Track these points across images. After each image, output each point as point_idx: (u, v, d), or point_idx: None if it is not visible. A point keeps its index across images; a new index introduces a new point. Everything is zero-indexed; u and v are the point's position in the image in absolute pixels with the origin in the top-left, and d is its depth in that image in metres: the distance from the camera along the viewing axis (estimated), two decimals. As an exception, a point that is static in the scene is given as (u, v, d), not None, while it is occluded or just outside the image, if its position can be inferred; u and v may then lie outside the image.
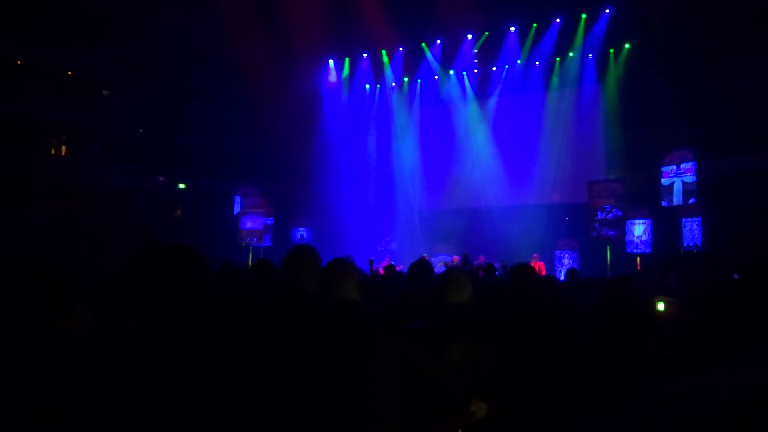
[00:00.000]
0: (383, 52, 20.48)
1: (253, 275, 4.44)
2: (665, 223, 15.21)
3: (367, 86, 21.49)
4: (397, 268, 7.42)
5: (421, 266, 4.59)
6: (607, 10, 17.04)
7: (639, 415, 1.54)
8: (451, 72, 20.17)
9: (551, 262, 16.68)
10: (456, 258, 14.95)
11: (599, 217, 16.43)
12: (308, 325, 2.39)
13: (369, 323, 2.40)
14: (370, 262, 10.87)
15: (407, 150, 20.85)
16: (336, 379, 2.23)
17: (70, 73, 18.64)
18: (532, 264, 14.69)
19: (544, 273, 14.08)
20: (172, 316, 1.85)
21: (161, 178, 19.22)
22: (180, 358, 1.79)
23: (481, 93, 19.97)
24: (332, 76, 21.27)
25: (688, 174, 14.91)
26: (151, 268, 1.90)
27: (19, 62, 17.85)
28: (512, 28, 18.67)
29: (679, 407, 1.64)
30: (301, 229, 19.96)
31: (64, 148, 18.80)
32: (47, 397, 1.84)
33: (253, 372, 2.00)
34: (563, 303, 4.14)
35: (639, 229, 15.65)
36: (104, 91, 19.28)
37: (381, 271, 11.59)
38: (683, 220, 14.60)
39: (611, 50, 17.56)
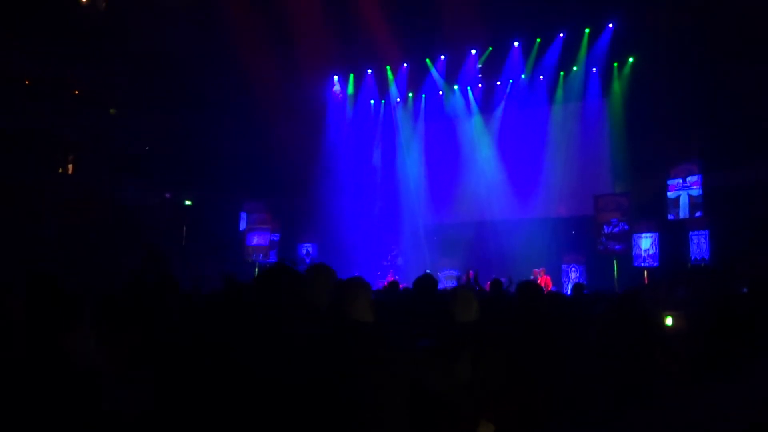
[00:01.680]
0: (387, 68, 20.60)
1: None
2: (672, 237, 15.13)
3: (372, 102, 21.60)
4: (401, 286, 7.36)
5: (426, 281, 4.59)
6: (611, 25, 17.12)
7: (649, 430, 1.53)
8: (456, 87, 20.26)
9: (558, 276, 16.62)
10: (471, 273, 14.89)
11: (606, 230, 16.37)
12: (319, 344, 2.39)
13: (378, 342, 2.40)
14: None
15: (412, 165, 20.89)
16: (345, 397, 2.23)
17: (78, 87, 18.81)
18: (538, 278, 14.65)
19: (550, 287, 14.05)
20: None
21: (168, 195, 19.29)
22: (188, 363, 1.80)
23: (486, 107, 20.03)
24: (336, 87, 21.38)
25: (695, 187, 14.86)
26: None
27: (27, 82, 18.04)
28: (516, 43, 18.76)
29: (690, 423, 1.62)
30: (307, 244, 19.96)
31: (72, 164, 18.91)
32: (55, 408, 1.84)
33: (264, 388, 2.00)
34: (570, 319, 4.12)
35: (646, 242, 15.59)
36: (111, 110, 19.41)
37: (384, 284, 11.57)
38: (690, 233, 14.53)
39: (615, 64, 17.62)
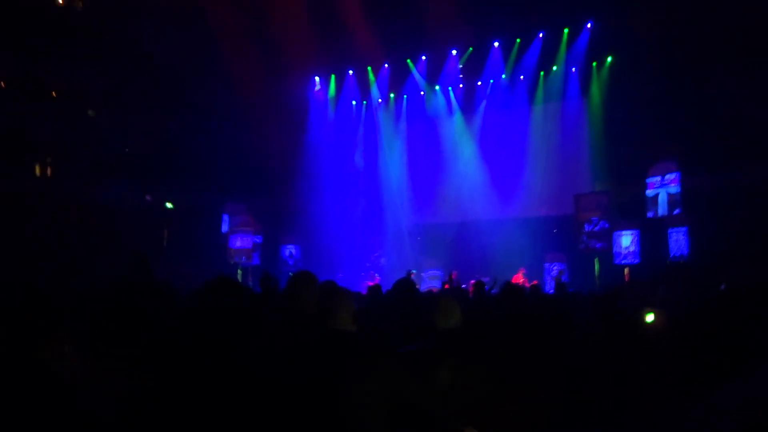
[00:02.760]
0: (369, 68, 20.59)
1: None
2: (652, 234, 15.32)
3: (354, 102, 21.58)
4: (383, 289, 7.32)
5: (404, 285, 4.60)
6: (589, 24, 17.26)
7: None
8: (437, 87, 20.31)
9: (540, 275, 16.74)
10: (454, 274, 14.97)
11: (586, 229, 16.53)
12: (301, 352, 2.39)
13: (360, 351, 2.40)
14: None
15: (394, 165, 20.91)
16: (325, 404, 2.23)
17: (55, 89, 18.53)
18: (518, 276, 14.69)
19: (527, 284, 14.14)
20: None
21: (148, 198, 19.10)
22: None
23: (467, 108, 20.11)
24: (318, 87, 21.33)
25: (673, 185, 15.06)
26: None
27: (2, 84, 17.75)
28: (496, 44, 18.86)
29: (676, 425, 1.64)
30: (290, 246, 19.88)
31: (50, 166, 18.62)
32: (37, 419, 1.81)
33: (245, 396, 1.99)
34: (553, 321, 4.15)
35: (626, 240, 15.76)
36: (89, 111, 19.15)
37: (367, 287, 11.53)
38: (669, 230, 14.72)
39: (594, 63, 17.77)
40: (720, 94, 14.26)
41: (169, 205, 19.46)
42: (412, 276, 16.86)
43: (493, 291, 9.70)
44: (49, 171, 18.71)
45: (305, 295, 2.72)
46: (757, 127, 13.65)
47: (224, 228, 19.62)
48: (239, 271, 18.37)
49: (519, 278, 15.20)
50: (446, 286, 14.32)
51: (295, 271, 3.07)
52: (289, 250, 19.85)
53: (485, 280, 11.17)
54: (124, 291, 5.51)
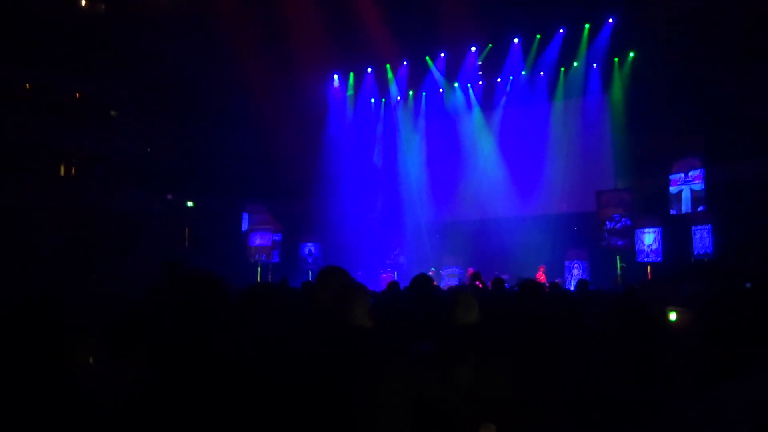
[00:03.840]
0: (387, 66, 20.57)
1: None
2: (675, 232, 15.10)
3: (372, 100, 21.58)
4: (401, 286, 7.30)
5: (422, 282, 4.57)
6: (610, 20, 17.07)
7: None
8: (456, 84, 20.23)
9: (561, 273, 16.59)
10: (471, 271, 14.96)
11: (608, 226, 16.34)
12: (320, 349, 2.38)
13: (377, 346, 2.39)
14: None
15: (413, 163, 20.87)
16: (345, 402, 2.22)
17: (78, 96, 18.80)
18: (537, 275, 14.60)
19: (545, 281, 14.02)
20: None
21: (169, 197, 19.29)
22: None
23: (486, 105, 20.00)
24: (336, 85, 21.37)
25: (697, 181, 14.83)
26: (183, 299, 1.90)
27: (27, 87, 18.03)
28: (516, 40, 18.72)
29: (696, 424, 1.61)
30: (310, 244, 19.95)
31: (73, 172, 18.89)
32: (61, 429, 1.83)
33: (264, 394, 1.99)
34: (573, 319, 4.10)
35: (649, 237, 15.55)
36: (112, 112, 19.39)
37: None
38: (693, 228, 14.49)
39: (615, 59, 17.57)
40: (741, 88, 14.02)
41: (189, 203, 19.65)
42: (431, 274, 16.84)
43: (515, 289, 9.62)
44: (72, 177, 18.99)
45: (324, 291, 2.71)
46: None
47: (244, 227, 19.76)
48: (259, 269, 18.48)
49: (539, 276, 15.08)
50: (470, 272, 14.34)
51: (324, 266, 3.04)
52: (309, 248, 19.92)
53: (505, 277, 11.09)
54: (154, 298, 5.57)
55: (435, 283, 5.21)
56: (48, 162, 17.91)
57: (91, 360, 2.14)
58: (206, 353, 1.89)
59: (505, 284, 9.02)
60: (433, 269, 17.04)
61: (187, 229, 19.49)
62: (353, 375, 2.27)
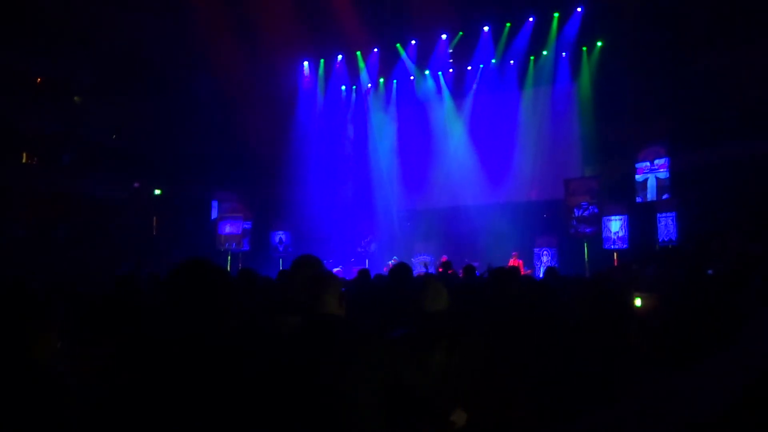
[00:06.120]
0: (358, 53, 20.46)
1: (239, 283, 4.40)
2: (641, 219, 15.41)
3: (343, 87, 21.47)
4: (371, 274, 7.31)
5: (402, 271, 4.59)
6: (579, 9, 17.24)
7: (628, 419, 1.56)
8: (427, 72, 20.23)
9: (530, 260, 16.81)
10: (444, 258, 15.13)
11: (576, 214, 16.59)
12: (293, 337, 2.38)
13: (350, 333, 2.39)
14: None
15: (384, 150, 20.86)
16: (318, 389, 2.22)
17: (40, 80, 18.29)
18: (511, 262, 14.73)
19: (523, 271, 14.20)
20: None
21: (136, 185, 18.96)
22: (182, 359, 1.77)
23: (457, 92, 20.07)
24: (306, 70, 21.18)
25: (662, 170, 15.13)
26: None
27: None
28: (486, 28, 18.79)
29: (670, 407, 1.65)
30: (280, 232, 19.83)
31: (36, 157, 18.41)
32: (25, 417, 1.80)
33: (237, 382, 1.98)
34: (544, 304, 4.17)
35: (615, 225, 15.84)
36: (75, 98, 18.92)
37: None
38: (658, 215, 14.80)
39: (584, 48, 17.76)
40: (706, 74, 14.35)
41: (157, 191, 19.35)
42: (394, 262, 16.96)
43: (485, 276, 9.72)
44: (35, 161, 18.52)
45: (295, 280, 2.71)
46: (744, 104, 13.77)
47: (213, 214, 19.54)
48: (229, 258, 18.32)
49: (515, 262, 15.22)
50: (443, 259, 14.46)
51: (299, 256, 3.04)
52: (279, 236, 19.80)
53: (476, 264, 11.20)
54: (120, 286, 5.50)
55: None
56: (10, 147, 17.42)
57: (58, 346, 2.10)
58: (198, 346, 1.85)
59: (476, 271, 9.12)
60: (395, 258, 17.16)
61: (154, 217, 19.20)
62: (326, 361, 2.28)
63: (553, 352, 2.93)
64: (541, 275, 12.72)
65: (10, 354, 1.93)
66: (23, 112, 17.20)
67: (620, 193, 16.34)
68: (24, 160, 18.15)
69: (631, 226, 15.61)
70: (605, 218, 16.05)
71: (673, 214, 14.38)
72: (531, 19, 18.05)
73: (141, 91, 18.11)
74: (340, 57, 20.76)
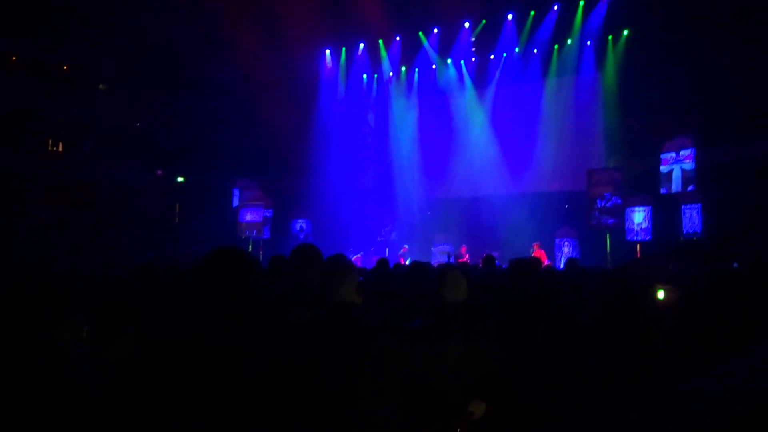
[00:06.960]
0: (380, 41, 20.35)
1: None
2: (665, 210, 15.18)
3: (365, 76, 21.39)
4: (401, 261, 7.30)
5: (423, 267, 4.58)
6: (605, -3, 16.94)
7: (645, 418, 1.53)
8: (449, 61, 20.06)
9: (551, 251, 16.67)
10: (464, 247, 15.10)
11: (598, 205, 16.39)
12: (309, 327, 2.38)
13: (366, 324, 2.38)
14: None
15: (405, 140, 20.78)
16: (333, 380, 2.22)
17: (65, 68, 18.51)
18: (533, 253, 14.61)
19: (545, 261, 14.09)
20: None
21: (159, 172, 19.16)
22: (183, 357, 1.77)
23: (479, 81, 19.86)
24: (328, 61, 21.15)
25: (687, 161, 14.86)
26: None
27: (14, 58, 17.75)
28: (510, 16, 18.55)
29: (688, 408, 1.62)
30: (300, 220, 19.91)
31: (60, 144, 18.68)
32: (44, 402, 1.82)
33: (251, 374, 1.98)
34: (563, 296, 4.13)
35: (639, 216, 15.62)
36: (101, 86, 19.12)
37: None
38: (683, 207, 14.57)
39: (609, 37, 17.46)
40: (736, 69, 14.01)
41: (180, 179, 19.52)
42: (405, 250, 16.99)
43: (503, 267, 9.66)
44: (60, 148, 18.79)
45: (308, 269, 2.70)
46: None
47: (235, 202, 19.68)
48: (250, 245, 18.45)
49: (538, 252, 15.06)
50: (463, 250, 14.42)
51: (297, 245, 3.04)
52: (300, 224, 19.88)
53: (495, 254, 11.13)
54: (140, 274, 5.56)
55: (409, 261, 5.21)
56: (36, 134, 17.69)
57: (80, 334, 2.12)
58: (219, 338, 1.85)
59: (496, 261, 9.06)
60: (406, 246, 17.21)
61: (177, 204, 19.39)
62: (342, 351, 2.27)
63: (567, 349, 2.90)
64: (561, 266, 12.61)
65: (29, 339, 1.95)
66: (48, 100, 17.43)
67: (644, 184, 16.09)
68: (49, 148, 18.42)
69: (654, 218, 15.39)
70: (628, 209, 15.83)
71: (699, 205, 14.14)
72: (555, 8, 17.78)
73: (164, 80, 18.25)
74: (361, 45, 20.67)
